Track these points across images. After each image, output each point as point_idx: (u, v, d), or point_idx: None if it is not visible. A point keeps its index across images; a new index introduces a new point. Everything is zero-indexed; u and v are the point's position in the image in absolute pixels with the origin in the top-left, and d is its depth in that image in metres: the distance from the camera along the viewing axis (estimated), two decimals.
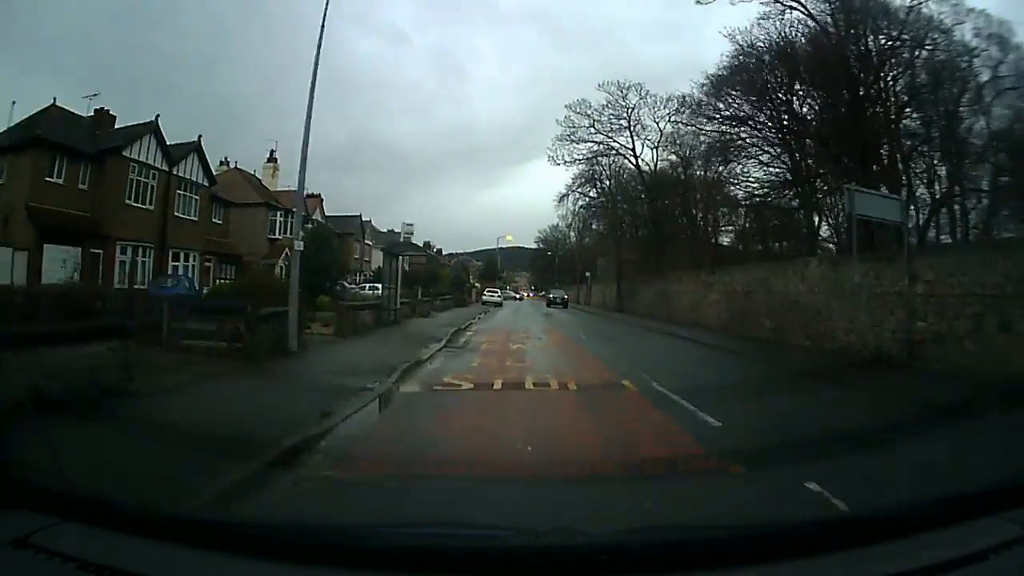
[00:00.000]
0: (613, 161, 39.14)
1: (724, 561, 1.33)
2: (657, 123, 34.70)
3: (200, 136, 27.27)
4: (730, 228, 35.54)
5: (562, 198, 48.71)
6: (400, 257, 18.35)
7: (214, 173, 37.00)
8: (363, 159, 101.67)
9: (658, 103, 34.05)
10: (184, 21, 71.74)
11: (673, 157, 35.60)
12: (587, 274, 50.44)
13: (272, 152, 39.41)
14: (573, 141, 36.95)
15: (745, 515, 3.06)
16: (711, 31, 69.47)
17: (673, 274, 28.11)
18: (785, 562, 1.36)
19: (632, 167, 36.82)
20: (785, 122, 23.78)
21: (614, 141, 36.62)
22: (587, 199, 53.19)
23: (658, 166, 36.01)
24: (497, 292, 48.20)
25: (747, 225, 35.27)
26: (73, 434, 3.97)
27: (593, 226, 58.21)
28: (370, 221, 50.71)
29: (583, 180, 46.37)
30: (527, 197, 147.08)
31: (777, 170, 25.13)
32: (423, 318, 22.06)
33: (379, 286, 38.84)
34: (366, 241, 49.57)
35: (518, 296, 75.43)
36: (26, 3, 43.53)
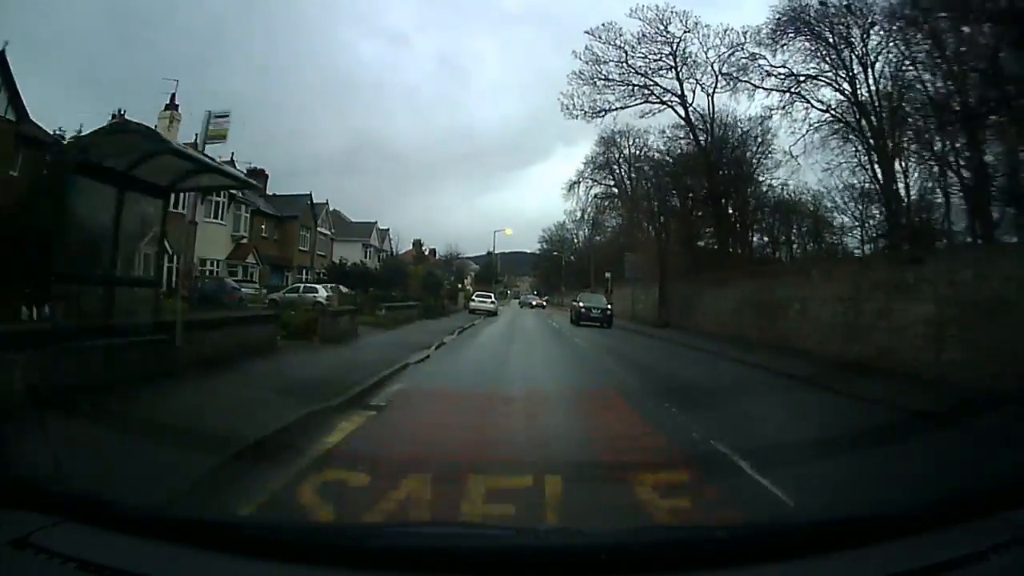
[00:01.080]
0: (634, 141, 31.55)
1: (724, 561, 1.31)
2: (711, 64, 24.09)
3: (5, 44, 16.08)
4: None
5: (572, 186, 39.85)
6: (173, 194, 6.46)
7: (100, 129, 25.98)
8: (363, 161, 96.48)
9: (710, 38, 23.69)
10: (181, 21, 65.71)
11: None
12: (607, 275, 38.86)
13: (172, 97, 27.55)
14: (596, 83, 25.95)
15: None
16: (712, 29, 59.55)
17: (787, 268, 16.60)
18: (785, 562, 1.33)
19: (672, 128, 26.29)
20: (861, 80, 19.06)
21: (655, 84, 25.65)
22: (603, 186, 43.76)
23: (715, 117, 25.06)
24: (490, 298, 35.06)
25: (776, 224, 28.64)
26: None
27: (607, 223, 48.20)
28: (326, 203, 38.89)
29: (596, 165, 36.95)
30: (529, 202, 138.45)
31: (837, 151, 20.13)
32: (327, 348, 10.72)
33: (319, 288, 27.46)
34: (320, 230, 37.79)
35: (533, 304, 55.68)
36: (20, 1, 36.07)
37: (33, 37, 43.20)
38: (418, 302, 25.00)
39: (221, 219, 26.11)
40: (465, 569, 1.28)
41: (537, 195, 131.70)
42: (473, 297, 35.99)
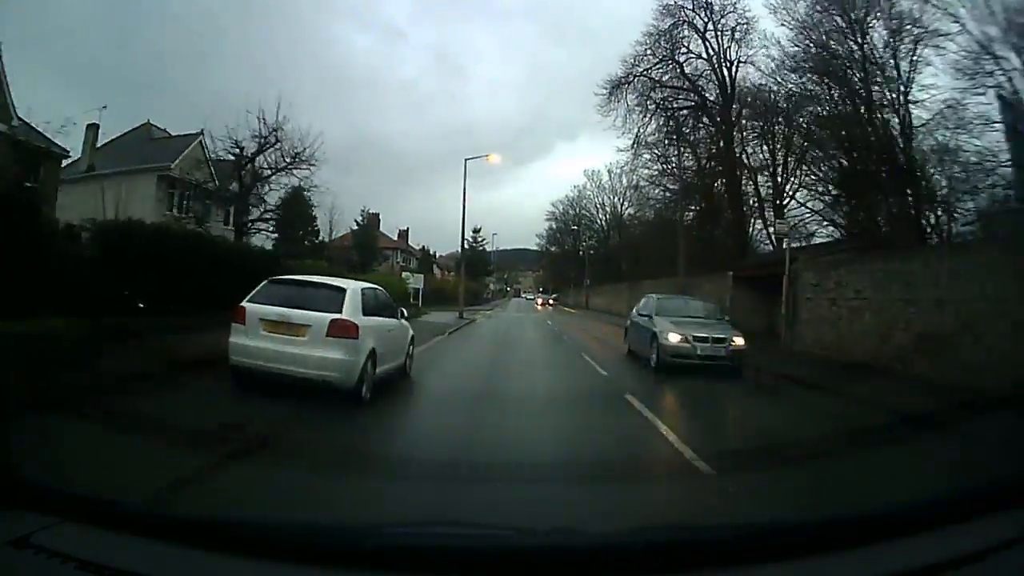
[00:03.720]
0: (723, 17, 20.04)
1: (724, 561, 1.29)
2: None
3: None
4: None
5: (614, 89, 23.09)
6: None
7: None
8: (360, 158, 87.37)
9: None
10: (176, 15, 63.42)
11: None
12: (773, 228, 18.38)
13: None
14: None
15: None
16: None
17: None
18: (785, 562, 1.31)
19: None
20: None
21: None
22: (671, 90, 24.02)
23: None
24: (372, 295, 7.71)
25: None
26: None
27: (672, 161, 27.62)
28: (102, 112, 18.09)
29: (658, 56, 21.96)
30: (529, 199, 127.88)
31: None
32: None
33: None
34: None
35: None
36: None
37: (26, 33, 41.55)
38: None
39: None
40: (465, 569, 1.26)
41: (538, 192, 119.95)
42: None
